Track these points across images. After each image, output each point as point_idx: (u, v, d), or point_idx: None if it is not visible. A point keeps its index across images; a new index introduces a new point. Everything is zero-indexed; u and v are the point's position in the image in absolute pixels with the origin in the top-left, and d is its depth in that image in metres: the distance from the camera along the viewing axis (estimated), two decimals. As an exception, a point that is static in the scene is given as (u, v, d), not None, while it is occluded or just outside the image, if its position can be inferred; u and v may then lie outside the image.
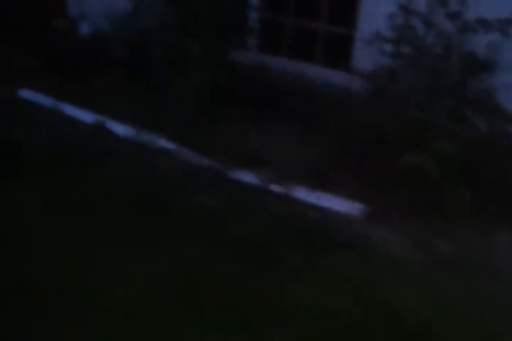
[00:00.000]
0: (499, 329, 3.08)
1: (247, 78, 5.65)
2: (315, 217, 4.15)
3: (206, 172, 4.72)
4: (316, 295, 3.24)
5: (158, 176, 4.62)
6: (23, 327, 2.89)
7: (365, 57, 5.81)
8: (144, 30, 5.54)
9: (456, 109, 4.41)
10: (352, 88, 5.95)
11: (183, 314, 3.03)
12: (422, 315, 3.16)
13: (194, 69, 5.11)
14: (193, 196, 4.33)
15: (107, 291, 3.15)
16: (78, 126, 5.43)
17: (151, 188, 4.42)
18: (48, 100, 5.82)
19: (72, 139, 5.16)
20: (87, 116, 5.54)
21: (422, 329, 3.05)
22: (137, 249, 3.61)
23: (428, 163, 4.12)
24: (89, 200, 4.17)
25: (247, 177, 4.66)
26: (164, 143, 5.08)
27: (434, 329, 3.04)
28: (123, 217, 3.96)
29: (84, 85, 6.13)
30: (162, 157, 4.92)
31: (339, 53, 6.31)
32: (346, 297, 3.26)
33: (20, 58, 6.40)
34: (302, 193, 4.45)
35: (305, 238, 3.85)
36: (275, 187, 4.53)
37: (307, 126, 5.42)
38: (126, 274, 3.34)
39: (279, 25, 6.45)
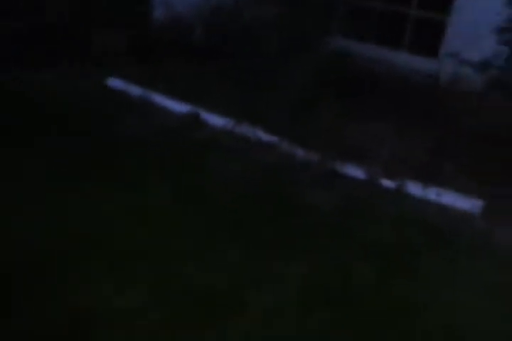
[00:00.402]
0: None
1: (337, 66, 5.52)
2: (435, 215, 4.07)
3: (312, 167, 4.65)
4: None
5: (265, 170, 4.57)
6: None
7: (458, 44, 5.64)
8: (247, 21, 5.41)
9: None
10: (441, 76, 5.80)
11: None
12: None
13: (297, 59, 4.99)
14: (307, 192, 4.27)
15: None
16: (172, 116, 5.38)
17: (261, 183, 4.38)
18: (137, 89, 5.77)
19: (168, 131, 5.12)
20: (179, 106, 5.48)
21: None
22: (276, 249, 3.58)
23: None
24: (205, 196, 4.15)
25: (354, 171, 4.58)
26: (264, 135, 5.01)
27: None
28: (244, 213, 3.93)
29: (168, 72, 6.07)
30: (264, 150, 4.86)
31: (428, 40, 6.12)
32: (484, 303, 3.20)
33: (105, 44, 6.35)
34: (415, 189, 4.36)
35: (432, 238, 3.78)
36: (386, 182, 4.46)
37: (403, 116, 5.27)
38: (275, 274, 3.32)
39: (366, 10, 6.25)
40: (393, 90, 5.59)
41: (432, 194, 4.29)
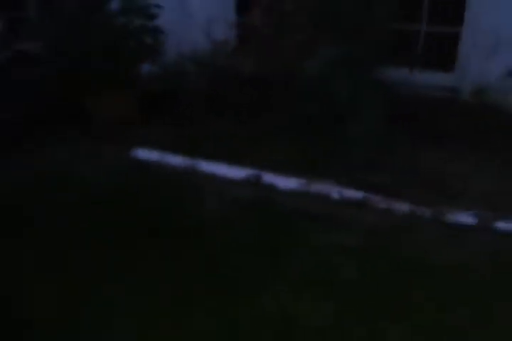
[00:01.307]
0: None
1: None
2: None
3: (419, 220, 4.27)
4: None
5: (379, 236, 4.11)
6: None
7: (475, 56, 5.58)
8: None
9: None
10: (461, 90, 5.73)
11: None
12: None
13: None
14: (437, 252, 3.89)
15: None
16: (233, 185, 4.71)
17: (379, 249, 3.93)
18: (175, 158, 5.00)
19: (241, 204, 4.45)
20: (233, 172, 4.82)
21: None
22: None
23: None
24: (316, 271, 3.62)
25: (465, 218, 4.27)
26: (349, 192, 4.53)
27: None
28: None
29: (198, 132, 5.36)
30: (359, 211, 4.38)
31: (443, 54, 6.01)
32: None
33: (108, 111, 5.48)
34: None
35: None
36: (502, 226, 4.19)
37: (471, 144, 5.06)
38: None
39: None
40: (431, 111, 5.39)
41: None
